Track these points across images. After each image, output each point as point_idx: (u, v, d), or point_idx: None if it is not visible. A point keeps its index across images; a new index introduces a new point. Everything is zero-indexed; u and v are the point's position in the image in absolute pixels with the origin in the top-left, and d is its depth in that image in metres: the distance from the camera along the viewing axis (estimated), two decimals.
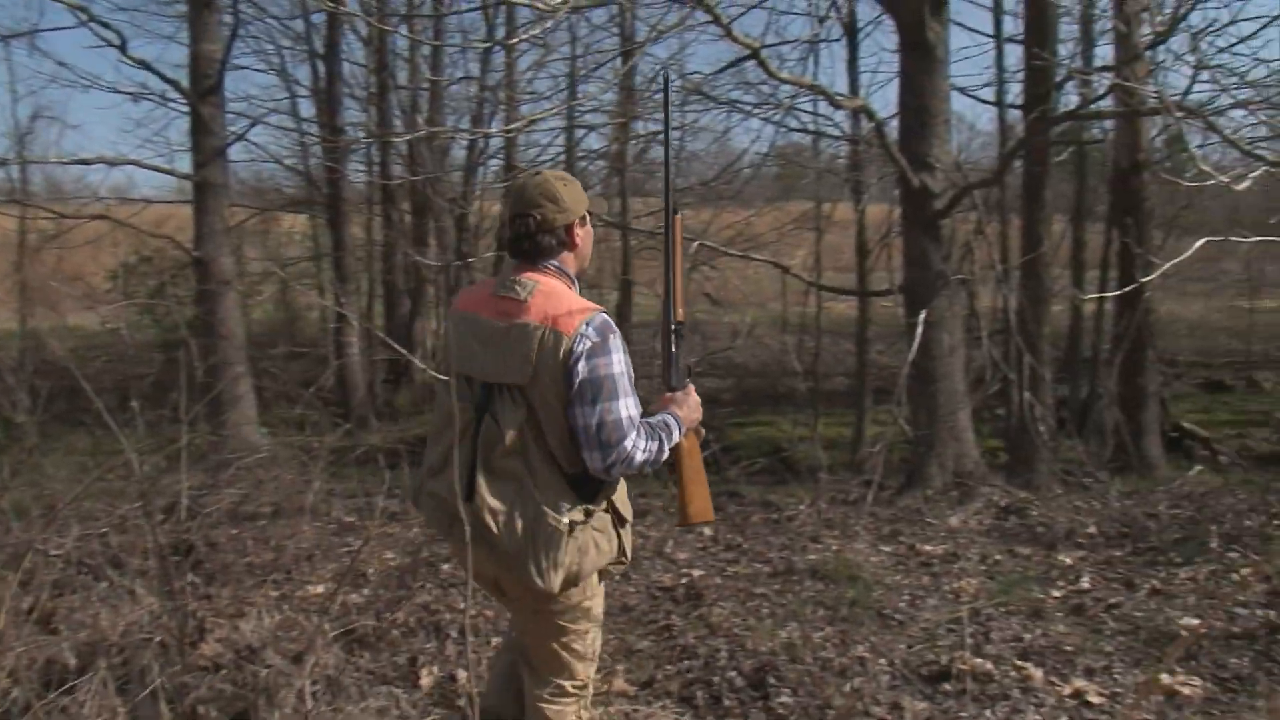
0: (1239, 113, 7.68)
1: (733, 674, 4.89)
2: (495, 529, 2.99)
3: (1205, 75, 7.68)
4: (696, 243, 10.06)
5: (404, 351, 6.50)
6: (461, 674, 4.74)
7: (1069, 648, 5.21)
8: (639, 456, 3.04)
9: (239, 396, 10.90)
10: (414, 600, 5.71)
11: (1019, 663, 5.01)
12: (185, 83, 11.81)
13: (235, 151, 21.51)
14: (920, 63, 8.16)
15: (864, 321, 14.60)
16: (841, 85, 14.21)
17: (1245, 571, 6.26)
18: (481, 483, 3.02)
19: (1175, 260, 7.88)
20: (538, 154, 14.58)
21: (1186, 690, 4.74)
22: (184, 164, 12.66)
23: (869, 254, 14.44)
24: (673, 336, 3.39)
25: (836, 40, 13.29)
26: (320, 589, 5.88)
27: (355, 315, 16.28)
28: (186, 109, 11.99)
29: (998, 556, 6.79)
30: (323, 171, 17.46)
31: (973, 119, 62.57)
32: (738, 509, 7.99)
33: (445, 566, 6.31)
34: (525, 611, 3.24)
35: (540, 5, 5.43)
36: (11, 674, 3.98)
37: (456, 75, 15.80)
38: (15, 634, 4.24)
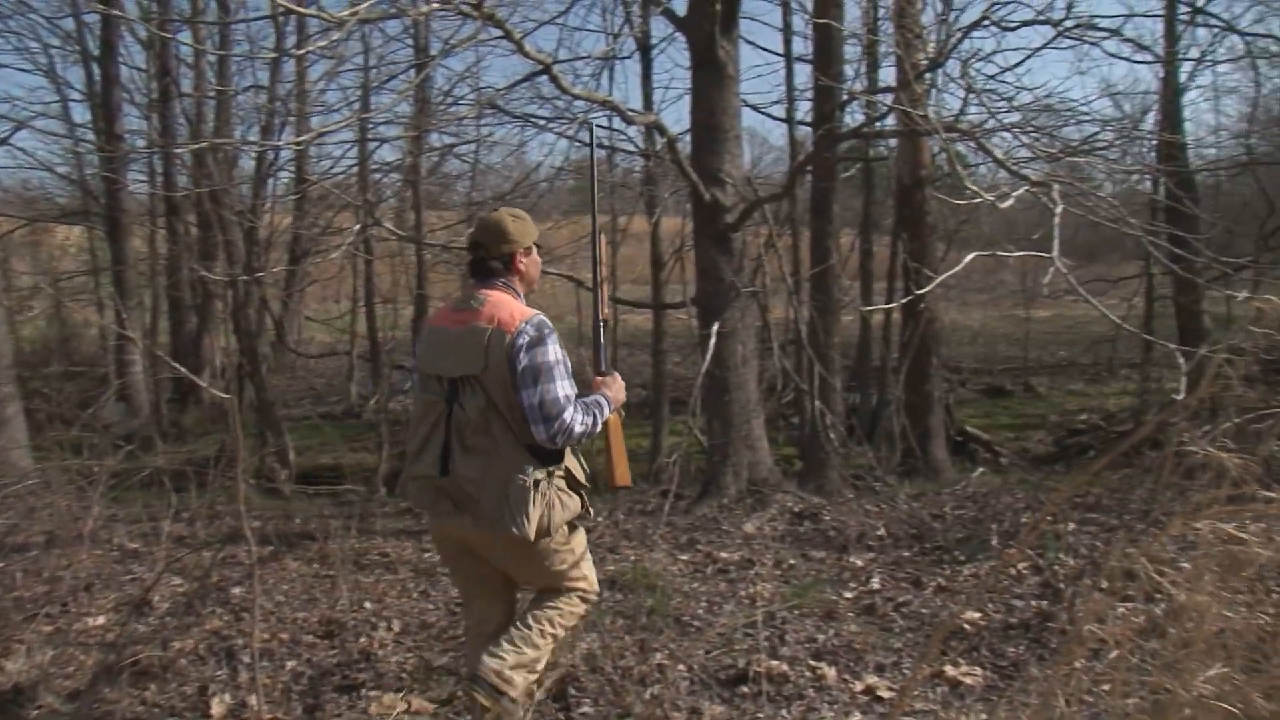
0: (1022, 134, 8.08)
1: (533, 686, 4.88)
2: (471, 493, 3.69)
3: (980, 99, 8.08)
4: None
5: (185, 371, 6.26)
6: (253, 700, 4.61)
7: (860, 646, 5.37)
8: (577, 428, 3.74)
9: (7, 419, 10.29)
10: (204, 626, 5.53)
11: (813, 663, 5.13)
12: None
13: None
14: (711, 80, 8.31)
15: (659, 333, 14.65)
16: (637, 101, 14.39)
17: (1022, 566, 6.55)
18: (456, 459, 3.71)
19: (948, 273, 8.22)
20: (330, 166, 14.23)
21: (969, 680, 4.93)
22: None
23: (664, 267, 14.58)
24: (600, 331, 4.28)
25: (627, 57, 13.43)
26: (101, 620, 5.63)
27: (138, 333, 15.62)
28: None
29: (792, 561, 6.94)
30: (100, 181, 16.68)
31: (767, 135, 63.97)
32: None
33: (236, 590, 6.14)
34: (513, 565, 3.95)
35: (328, 16, 5.33)
36: None
37: (244, 84, 15.30)
38: None
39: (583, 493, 3.97)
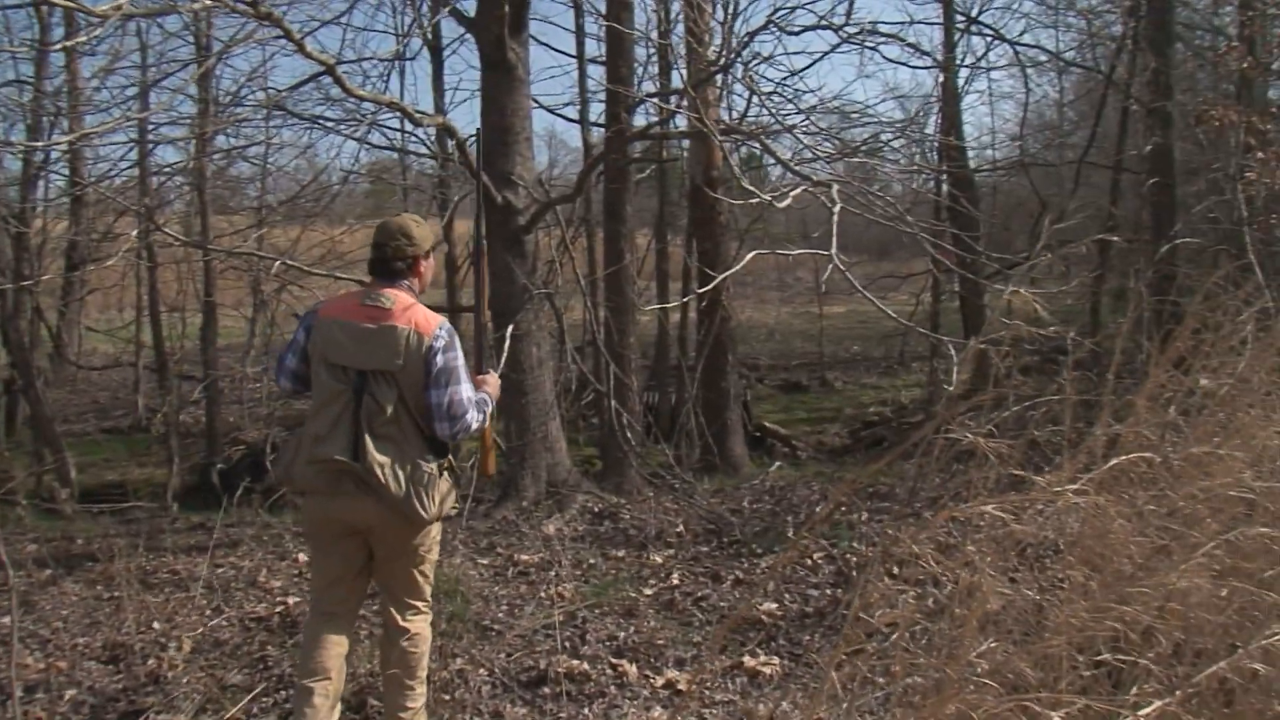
0: (806, 135, 8.28)
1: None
2: (382, 478, 3.95)
3: (770, 102, 8.26)
4: (278, 262, 9.73)
5: None
6: None
7: (660, 641, 5.43)
8: (474, 425, 4.14)
9: None
10: None
11: (614, 660, 5.18)
12: None
13: None
14: (501, 82, 8.26)
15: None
16: (430, 102, 14.21)
17: (817, 556, 6.72)
18: (368, 445, 3.97)
19: (729, 271, 8.35)
20: (109, 169, 13.56)
21: (767, 670, 5.03)
22: None
23: (457, 269, 14.45)
24: (483, 334, 4.78)
25: (412, 59, 13.26)
26: None
27: None
28: None
29: (592, 560, 6.97)
30: None
31: (566, 137, 64.12)
32: None
33: (6, 620, 5.82)
34: (395, 548, 4.17)
35: (89, 9, 5.08)
36: None
37: (7, 78, 14.42)
38: None
39: (458, 482, 4.36)
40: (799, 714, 4.39)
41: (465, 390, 4.10)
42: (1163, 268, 9.74)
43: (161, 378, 14.42)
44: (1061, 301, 12.36)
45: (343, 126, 10.75)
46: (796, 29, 8.51)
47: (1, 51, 12.92)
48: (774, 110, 7.90)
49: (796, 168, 7.56)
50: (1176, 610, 3.42)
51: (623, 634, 5.55)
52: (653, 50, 12.16)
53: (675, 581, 6.46)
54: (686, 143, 12.65)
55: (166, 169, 13.76)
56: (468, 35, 8.93)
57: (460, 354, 4.15)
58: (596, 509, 8.21)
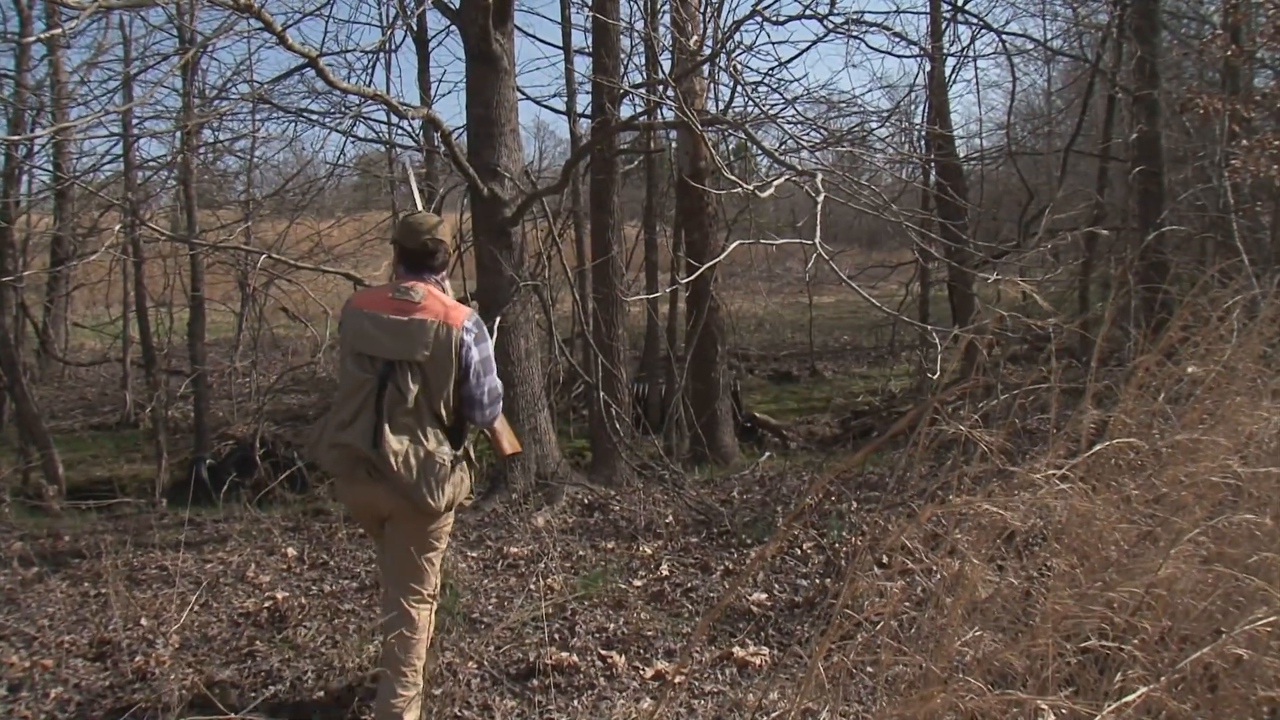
0: (791, 125, 8.29)
1: (320, 694, 4.80)
2: (396, 466, 4.13)
3: (755, 92, 8.26)
4: (264, 255, 9.70)
5: None
6: None
7: (650, 633, 5.43)
8: (500, 411, 4.51)
9: None
10: None
11: (603, 652, 5.18)
12: None
13: None
14: (486, 73, 8.23)
15: None
16: (416, 94, 14.16)
17: (807, 546, 6.72)
18: (387, 433, 4.14)
19: (714, 260, 8.35)
20: (94, 163, 13.50)
21: (756, 660, 5.04)
22: None
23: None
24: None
25: (395, 50, 13.20)
26: None
27: None
28: None
29: (581, 552, 6.96)
30: None
31: (555, 128, 64.09)
32: (323, 526, 7.80)
33: None
34: (407, 533, 4.36)
35: (66, 1, 5.05)
36: None
37: None
38: None
39: (473, 472, 4.55)
40: (787, 704, 4.39)
41: (495, 378, 4.46)
42: (1150, 255, 9.75)
43: (149, 373, 14.35)
44: (1048, 290, 12.37)
45: (328, 119, 10.73)
46: (782, 18, 8.53)
47: None
48: (759, 100, 7.90)
49: (782, 157, 7.55)
50: (1162, 596, 3.43)
51: (612, 625, 5.55)
52: (639, 41, 12.14)
53: (665, 572, 6.45)
54: (675, 133, 12.63)
55: (151, 163, 13.72)
56: (453, 27, 8.87)
57: (490, 343, 4.48)
58: (586, 501, 8.20)
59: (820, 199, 6.28)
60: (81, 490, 11.97)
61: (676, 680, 4.82)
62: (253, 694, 4.85)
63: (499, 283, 8.09)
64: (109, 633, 5.68)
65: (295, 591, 6.35)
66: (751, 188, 6.45)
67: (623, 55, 11.57)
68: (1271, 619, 2.98)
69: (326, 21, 12.26)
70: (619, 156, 11.16)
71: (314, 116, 10.33)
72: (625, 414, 9.78)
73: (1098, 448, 3.95)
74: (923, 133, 15.40)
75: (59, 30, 6.12)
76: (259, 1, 5.24)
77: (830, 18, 8.21)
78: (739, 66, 7.87)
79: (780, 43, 23.84)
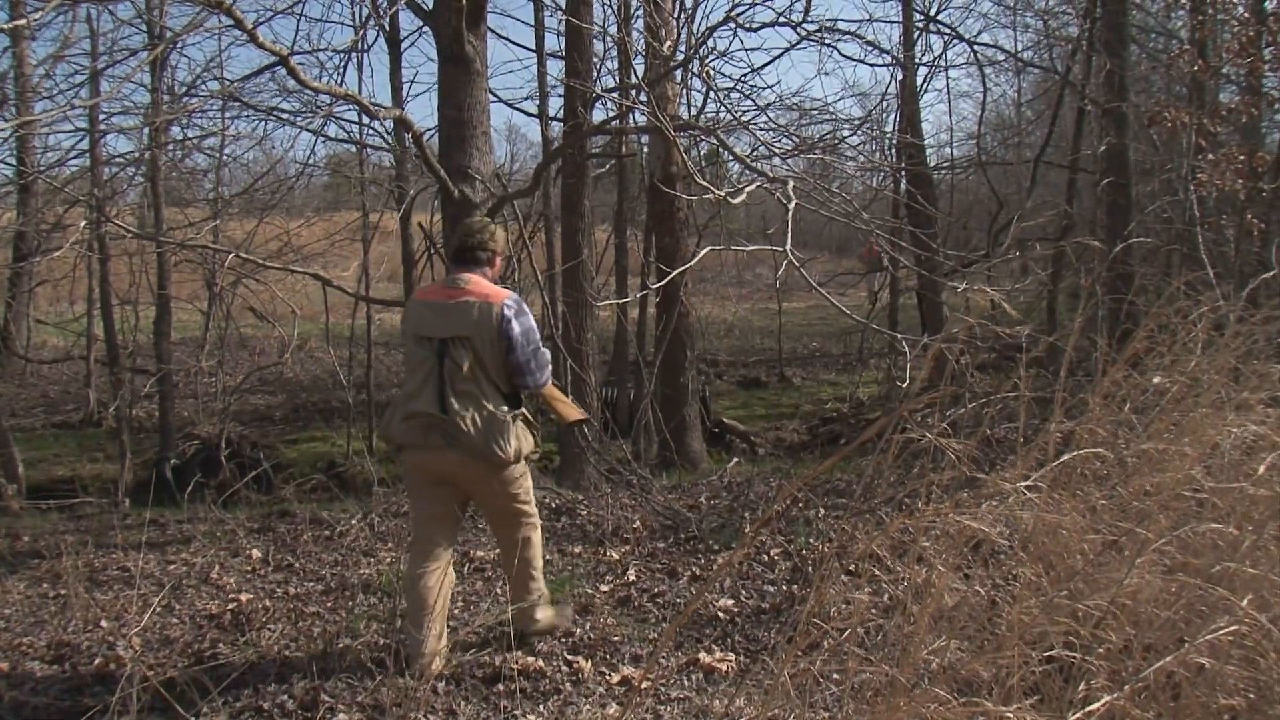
0: (764, 132, 8.30)
1: (285, 698, 4.75)
2: (464, 427, 4.76)
3: (728, 99, 8.27)
4: (232, 254, 9.63)
5: None
6: None
7: (616, 638, 5.40)
8: (550, 377, 5.14)
9: None
10: None
11: (569, 657, 5.15)
12: None
13: None
14: (459, 75, 8.18)
15: None
16: (388, 95, 14.10)
17: (774, 552, 6.72)
18: (451, 399, 4.80)
19: (684, 266, 8.35)
20: (58, 159, 13.36)
21: (723, 666, 5.02)
22: None
23: (415, 264, 14.34)
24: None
25: (366, 50, 13.12)
26: None
27: None
28: None
29: (549, 557, 6.93)
30: None
31: (527, 131, 64.01)
32: (289, 527, 7.75)
33: None
34: (491, 492, 5.02)
35: None
36: None
37: None
38: None
39: (534, 432, 5.17)
40: (754, 711, 4.38)
41: (541, 345, 5.04)
42: (1118, 267, 9.82)
43: (113, 371, 14.21)
44: (1016, 300, 12.45)
45: (299, 118, 10.67)
46: (755, 25, 8.54)
47: None
48: (732, 106, 7.91)
49: (754, 163, 7.57)
50: (1127, 606, 3.45)
51: (579, 630, 5.51)
52: (612, 45, 12.14)
53: (632, 578, 6.43)
54: (646, 138, 12.63)
55: (119, 159, 13.60)
56: (426, 28, 8.83)
57: (531, 316, 5.04)
58: (553, 505, 8.17)
59: (791, 206, 6.28)
60: (42, 489, 11.86)
61: (643, 686, 4.80)
62: (216, 699, 4.80)
63: None
64: (68, 635, 5.62)
65: (260, 594, 6.30)
66: (723, 194, 6.44)
67: (596, 59, 11.58)
68: (1233, 628, 3.00)
69: (298, 20, 12.14)
70: (590, 160, 11.14)
71: (284, 115, 10.28)
72: (594, 418, 9.76)
73: (1065, 458, 3.97)
74: (894, 141, 15.49)
75: (23, 21, 6.04)
76: None
77: (803, 25, 8.25)
78: (712, 72, 7.87)
79: (753, 49, 24.03)
